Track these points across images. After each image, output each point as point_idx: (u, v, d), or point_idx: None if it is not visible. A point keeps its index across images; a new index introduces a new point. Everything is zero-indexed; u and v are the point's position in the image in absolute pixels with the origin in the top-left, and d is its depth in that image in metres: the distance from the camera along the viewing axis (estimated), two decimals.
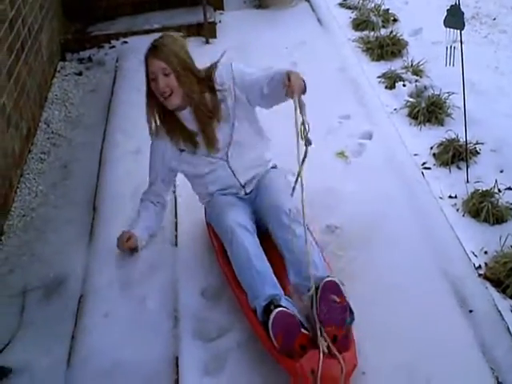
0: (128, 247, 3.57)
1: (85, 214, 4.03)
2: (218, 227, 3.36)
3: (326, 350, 2.72)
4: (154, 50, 3.28)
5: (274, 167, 3.64)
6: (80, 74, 5.80)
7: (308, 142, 3.10)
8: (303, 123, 3.05)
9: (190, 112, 3.35)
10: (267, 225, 3.27)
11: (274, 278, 3.07)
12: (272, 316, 2.80)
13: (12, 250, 3.84)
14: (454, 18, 4.02)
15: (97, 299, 3.38)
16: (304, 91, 3.18)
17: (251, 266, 3.06)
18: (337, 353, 2.73)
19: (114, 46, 6.13)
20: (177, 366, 2.97)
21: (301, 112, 3.08)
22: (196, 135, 3.38)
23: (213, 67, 3.37)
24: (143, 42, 5.85)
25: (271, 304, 2.90)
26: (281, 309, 2.83)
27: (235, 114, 3.38)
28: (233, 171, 3.46)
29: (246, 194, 3.51)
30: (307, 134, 3.08)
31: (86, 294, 3.43)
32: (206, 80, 3.34)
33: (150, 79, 3.28)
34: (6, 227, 4.00)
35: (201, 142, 3.38)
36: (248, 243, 3.15)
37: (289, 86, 3.04)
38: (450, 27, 4.05)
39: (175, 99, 3.29)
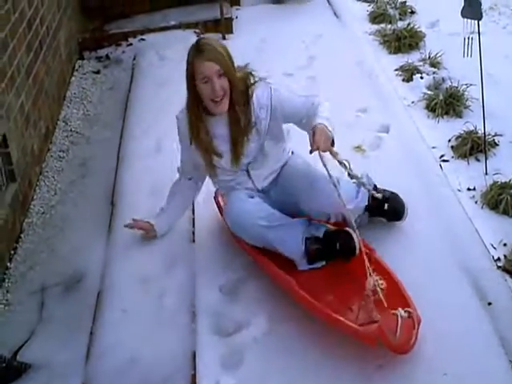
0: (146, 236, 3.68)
1: (103, 211, 4.05)
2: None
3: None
4: (202, 52, 3.13)
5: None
6: (98, 72, 5.81)
7: (355, 178, 3.39)
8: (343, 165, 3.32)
9: (226, 123, 3.29)
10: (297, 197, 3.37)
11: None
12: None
13: (31, 247, 3.86)
14: (472, 9, 3.98)
15: (115, 295, 3.39)
16: (332, 144, 3.25)
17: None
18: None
19: (131, 44, 6.14)
20: (194, 360, 2.97)
21: (336, 158, 3.30)
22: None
23: (250, 83, 3.29)
24: (160, 39, 5.99)
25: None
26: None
27: (266, 135, 3.36)
28: (252, 180, 3.47)
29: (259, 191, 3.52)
30: (351, 172, 3.34)
31: (105, 290, 3.44)
32: (246, 92, 3.27)
33: (201, 83, 3.14)
34: (25, 225, 4.02)
35: (226, 155, 3.34)
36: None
37: (314, 142, 3.08)
38: (467, 18, 4.01)
39: (226, 103, 3.20)
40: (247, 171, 3.44)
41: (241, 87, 3.23)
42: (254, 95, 3.26)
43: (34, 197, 4.27)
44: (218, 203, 3.72)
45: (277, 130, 3.40)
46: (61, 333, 3.27)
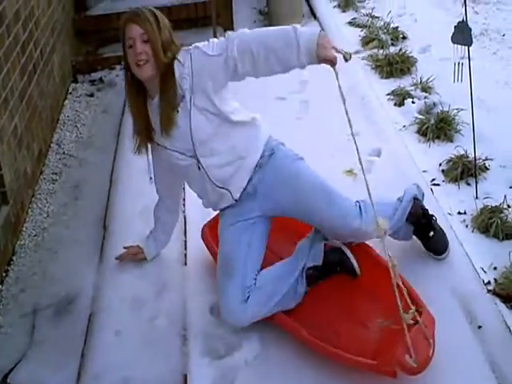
0: (135, 259, 3.69)
1: (95, 234, 4.07)
2: None
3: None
4: (131, 16, 3.12)
5: (272, 153, 3.34)
6: (91, 95, 5.85)
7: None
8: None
9: (157, 102, 3.17)
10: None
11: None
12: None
13: (23, 270, 3.86)
14: (462, 35, 4.01)
15: (107, 318, 3.40)
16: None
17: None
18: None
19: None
20: (185, 383, 2.98)
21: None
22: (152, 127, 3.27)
23: (174, 53, 3.16)
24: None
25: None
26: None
27: (197, 109, 3.13)
28: (206, 172, 3.26)
29: (236, 200, 3.33)
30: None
31: (97, 313, 3.45)
32: (171, 63, 3.14)
33: (128, 48, 3.09)
34: (17, 247, 4.03)
35: (157, 127, 3.22)
36: None
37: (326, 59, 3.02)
38: (457, 43, 4.05)
39: (149, 68, 3.08)
40: (197, 160, 3.24)
41: (165, 58, 3.10)
42: (175, 65, 3.12)
43: (27, 219, 4.28)
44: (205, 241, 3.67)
45: (208, 102, 3.14)
46: (52, 355, 3.27)
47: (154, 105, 3.18)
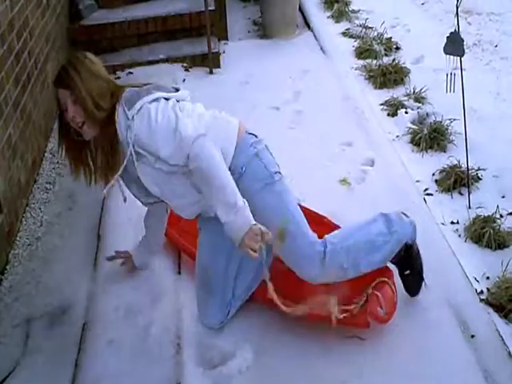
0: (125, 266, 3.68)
1: (89, 243, 4.06)
2: None
3: None
4: (57, 79, 3.04)
5: (240, 175, 3.07)
6: None
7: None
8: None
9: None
10: None
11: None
12: None
13: (17, 279, 3.85)
14: (454, 45, 4.04)
15: (100, 327, 3.40)
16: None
17: None
18: None
19: (119, 77, 6.18)
20: None
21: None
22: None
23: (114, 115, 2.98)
24: (148, 73, 6.04)
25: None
26: None
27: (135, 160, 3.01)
28: (174, 210, 3.30)
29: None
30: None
31: (90, 322, 3.44)
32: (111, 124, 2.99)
33: (62, 111, 3.03)
34: (11, 256, 4.02)
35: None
36: None
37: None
38: (449, 54, 4.08)
39: (90, 129, 3.02)
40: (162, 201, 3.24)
41: (100, 113, 2.98)
42: (118, 113, 2.96)
43: (20, 228, 4.27)
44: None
45: (153, 161, 3.01)
46: (46, 365, 3.25)
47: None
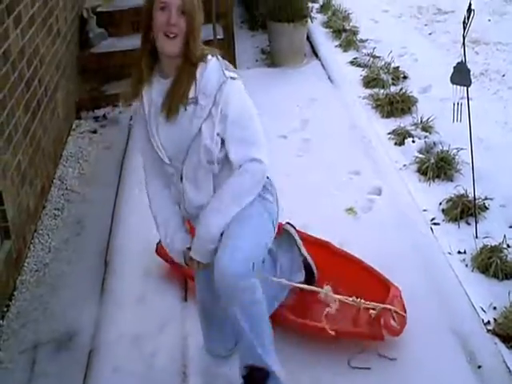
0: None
1: (97, 269, 4.08)
2: None
3: None
4: None
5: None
6: (95, 131, 5.90)
7: None
8: None
9: (169, 83, 2.86)
10: None
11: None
12: None
13: (24, 305, 3.87)
14: (461, 75, 4.07)
15: (106, 354, 3.40)
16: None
17: None
18: None
19: (128, 105, 6.22)
20: None
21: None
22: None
23: (205, 55, 2.84)
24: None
25: None
26: None
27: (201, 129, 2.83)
28: (184, 197, 3.01)
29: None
30: None
31: (96, 349, 3.45)
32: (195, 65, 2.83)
33: (158, 9, 2.78)
34: (18, 282, 4.04)
35: (157, 106, 2.91)
36: None
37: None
38: (456, 84, 4.11)
39: (176, 45, 2.79)
40: (180, 176, 2.97)
41: (195, 45, 2.81)
42: (203, 71, 2.82)
43: (28, 254, 4.29)
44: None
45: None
46: None
47: (163, 84, 2.89)
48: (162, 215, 3.09)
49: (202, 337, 3.30)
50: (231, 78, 2.83)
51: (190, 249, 2.98)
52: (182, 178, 2.96)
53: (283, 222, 3.57)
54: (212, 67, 2.83)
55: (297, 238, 3.56)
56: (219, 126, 2.82)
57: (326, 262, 3.60)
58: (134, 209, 4.52)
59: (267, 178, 3.02)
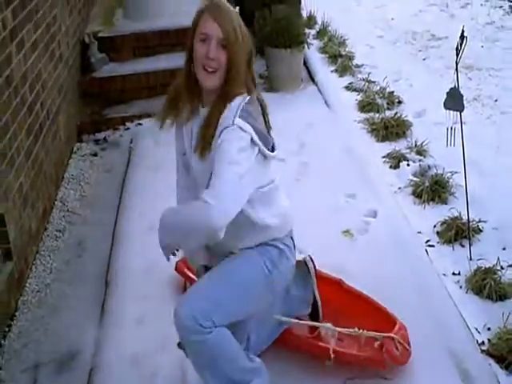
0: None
1: (97, 290, 4.09)
2: None
3: None
4: (214, 10, 2.71)
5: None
6: (95, 154, 5.93)
7: None
8: None
9: (205, 112, 2.81)
10: None
11: None
12: None
13: (26, 325, 3.88)
14: (454, 101, 4.10)
15: (107, 374, 3.41)
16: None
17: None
18: None
19: (128, 128, 6.27)
20: None
21: None
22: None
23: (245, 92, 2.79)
24: (157, 124, 6.09)
25: None
26: None
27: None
28: None
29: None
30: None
31: (97, 369, 3.45)
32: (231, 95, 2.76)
33: (198, 40, 2.73)
34: (20, 303, 4.05)
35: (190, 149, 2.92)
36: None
37: None
38: (449, 109, 4.15)
39: (215, 80, 2.74)
40: None
41: (236, 81, 2.75)
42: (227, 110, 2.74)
43: (30, 275, 4.30)
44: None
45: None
46: None
47: (201, 112, 2.87)
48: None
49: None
50: (239, 127, 2.69)
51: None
52: None
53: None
54: (231, 108, 2.73)
55: (313, 278, 3.47)
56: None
57: (336, 300, 3.58)
58: (134, 231, 4.55)
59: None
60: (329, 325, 3.29)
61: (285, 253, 3.03)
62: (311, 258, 3.51)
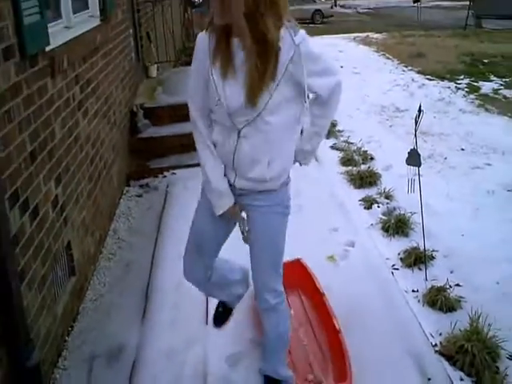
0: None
1: (140, 300, 4.07)
2: None
3: None
4: None
5: (278, 189, 2.66)
6: (140, 196, 5.94)
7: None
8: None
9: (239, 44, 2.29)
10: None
11: None
12: None
13: (84, 326, 3.86)
14: (413, 158, 4.13)
15: (146, 365, 3.39)
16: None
17: None
18: None
19: (165, 176, 6.29)
20: None
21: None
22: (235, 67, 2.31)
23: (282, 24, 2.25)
24: (186, 174, 6.14)
25: None
26: None
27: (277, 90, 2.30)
28: (234, 155, 2.46)
29: (235, 194, 2.62)
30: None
31: (139, 361, 3.44)
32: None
33: None
34: (80, 309, 4.04)
35: (238, 87, 2.33)
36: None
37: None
38: (410, 165, 4.17)
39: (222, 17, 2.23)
40: (238, 134, 2.41)
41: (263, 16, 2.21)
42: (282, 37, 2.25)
43: (89, 288, 4.30)
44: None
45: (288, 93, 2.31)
46: None
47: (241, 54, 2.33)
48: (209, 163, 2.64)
49: (184, 266, 2.95)
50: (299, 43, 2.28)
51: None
52: (238, 135, 2.44)
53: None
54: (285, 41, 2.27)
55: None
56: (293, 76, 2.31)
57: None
58: (168, 255, 4.54)
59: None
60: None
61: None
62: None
